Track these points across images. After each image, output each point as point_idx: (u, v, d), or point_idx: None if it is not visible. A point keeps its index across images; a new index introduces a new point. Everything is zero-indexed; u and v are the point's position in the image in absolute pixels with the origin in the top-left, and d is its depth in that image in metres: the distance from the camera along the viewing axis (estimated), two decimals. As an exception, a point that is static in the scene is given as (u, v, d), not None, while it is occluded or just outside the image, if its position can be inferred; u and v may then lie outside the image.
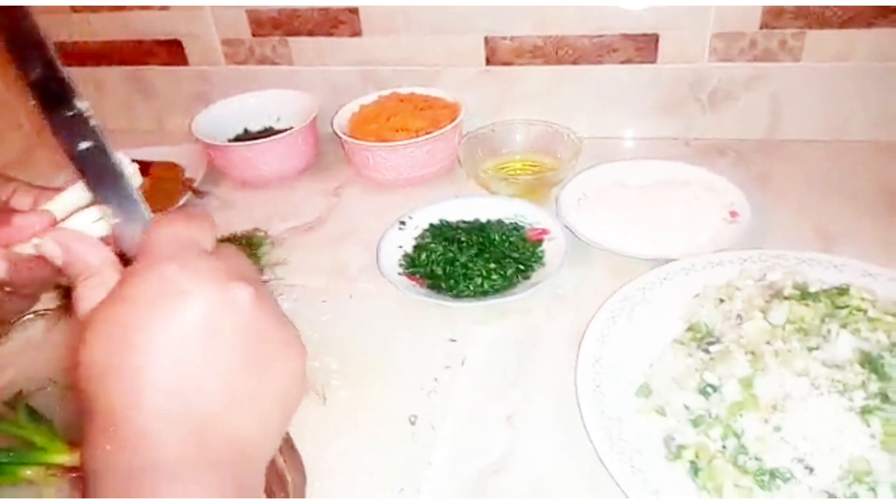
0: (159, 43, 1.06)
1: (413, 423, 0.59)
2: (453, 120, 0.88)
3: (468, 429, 0.59)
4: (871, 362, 0.53)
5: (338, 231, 0.86)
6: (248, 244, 0.80)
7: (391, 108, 0.92)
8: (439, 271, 0.72)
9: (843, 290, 0.60)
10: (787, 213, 0.81)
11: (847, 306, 0.59)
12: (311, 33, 1.00)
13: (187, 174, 0.97)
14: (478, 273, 0.71)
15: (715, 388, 0.55)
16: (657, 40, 0.91)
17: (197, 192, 0.92)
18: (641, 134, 0.98)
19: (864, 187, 0.84)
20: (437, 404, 0.61)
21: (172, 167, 0.99)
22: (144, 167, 0.98)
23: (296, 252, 0.83)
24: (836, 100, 0.90)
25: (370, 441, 0.58)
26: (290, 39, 1.01)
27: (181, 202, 0.90)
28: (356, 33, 0.98)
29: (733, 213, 0.77)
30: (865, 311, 0.58)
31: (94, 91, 1.13)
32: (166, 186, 0.94)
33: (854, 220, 0.78)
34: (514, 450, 0.57)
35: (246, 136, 1.00)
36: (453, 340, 0.67)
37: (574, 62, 0.95)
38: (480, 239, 0.74)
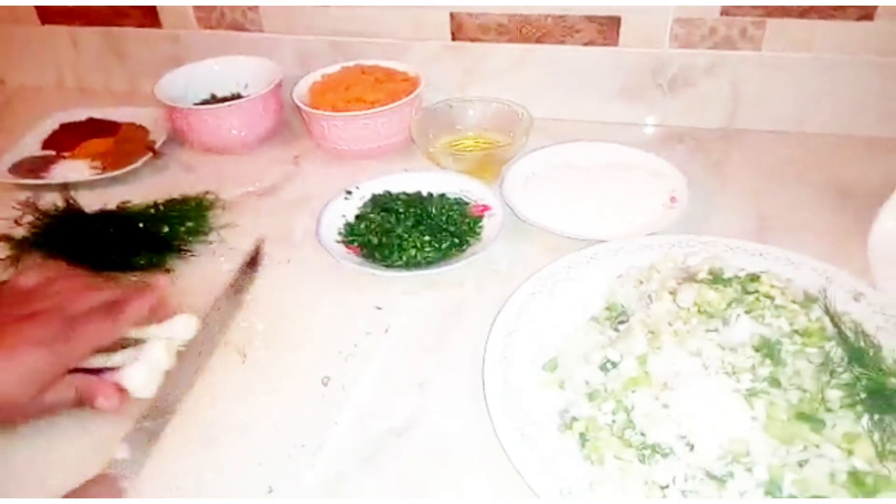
0: (134, 6, 1.07)
1: (325, 385, 0.61)
2: (411, 93, 0.89)
3: (379, 392, 0.61)
4: (768, 347, 0.54)
5: (290, 198, 0.88)
6: (196, 206, 0.81)
7: (351, 79, 0.92)
8: (375, 241, 0.74)
9: (754, 277, 0.61)
10: (734, 201, 0.81)
11: (756, 292, 0.59)
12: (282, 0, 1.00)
13: (153, 136, 0.99)
14: (412, 244, 0.73)
15: (615, 365, 0.56)
16: (619, 23, 0.91)
17: (155, 154, 0.94)
18: (602, 118, 0.98)
19: (816, 180, 0.84)
20: (352, 368, 0.63)
21: (139, 129, 1.01)
22: (113, 127, 1.01)
23: (245, 216, 0.84)
24: (796, 91, 0.90)
25: (281, 399, 0.60)
26: (261, 6, 1.02)
27: (139, 162, 0.91)
28: (326, 3, 0.98)
29: (673, 199, 0.78)
30: (773, 298, 0.59)
31: (70, 49, 1.15)
32: (128, 147, 0.96)
33: (800, 212, 0.79)
34: (421, 414, 0.59)
35: (212, 101, 1.01)
36: (379, 308, 0.69)
37: (538, 41, 0.95)
38: (418, 211, 0.76)
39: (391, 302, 0.70)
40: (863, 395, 0.51)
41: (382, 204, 0.78)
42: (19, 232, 0.78)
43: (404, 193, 0.80)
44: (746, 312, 0.57)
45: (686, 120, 0.96)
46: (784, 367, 0.53)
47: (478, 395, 0.58)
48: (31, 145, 0.99)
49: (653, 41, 0.92)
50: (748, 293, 0.60)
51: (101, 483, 0.50)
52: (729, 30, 0.88)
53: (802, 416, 0.50)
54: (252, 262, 0.71)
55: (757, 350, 0.54)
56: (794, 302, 0.58)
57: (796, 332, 0.56)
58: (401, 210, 0.76)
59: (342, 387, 0.61)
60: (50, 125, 1.03)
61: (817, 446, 0.49)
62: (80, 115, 1.05)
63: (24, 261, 0.76)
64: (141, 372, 0.58)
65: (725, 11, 0.87)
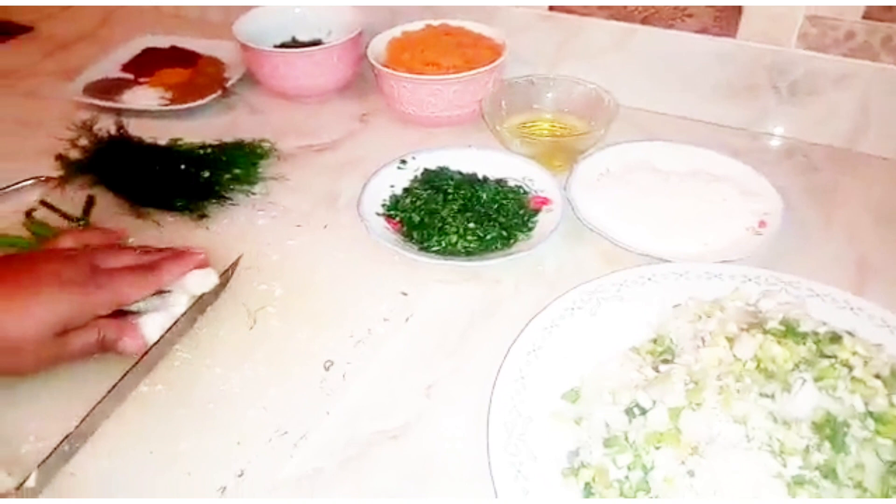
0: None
1: (327, 369, 0.57)
2: (490, 63, 0.82)
3: (381, 389, 0.56)
4: (832, 428, 0.45)
5: (347, 158, 0.83)
6: (248, 153, 0.78)
7: (431, 40, 0.86)
8: (416, 219, 0.68)
9: (835, 338, 0.51)
10: (835, 239, 0.70)
11: (833, 357, 0.50)
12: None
13: (228, 74, 0.96)
14: (454, 230, 0.66)
15: (643, 411, 0.48)
16: (740, 12, 0.80)
17: (225, 92, 0.91)
18: (701, 116, 0.87)
19: (940, 226, 0.71)
20: (360, 356, 0.58)
21: (218, 64, 0.99)
22: (194, 58, 1.00)
23: (298, 171, 0.81)
24: (939, 118, 0.76)
25: (277, 376, 0.56)
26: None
27: (206, 99, 0.89)
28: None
29: (762, 223, 0.68)
30: (852, 368, 0.49)
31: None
32: (202, 81, 0.94)
33: (911, 263, 0.67)
34: (419, 421, 0.54)
35: (292, 45, 0.97)
36: (405, 294, 0.64)
37: (643, 21, 0.85)
38: (468, 194, 0.69)
39: (419, 289, 0.64)
40: (939, 513, 0.41)
41: (433, 181, 0.72)
42: (75, 154, 0.77)
43: (458, 172, 0.73)
44: (815, 380, 0.48)
45: (801, 133, 0.83)
46: (846, 455, 0.44)
47: (483, 411, 0.52)
48: (111, 66, 0.99)
49: (777, 38, 0.80)
50: (824, 356, 0.50)
51: None
52: (870, 36, 0.75)
53: (854, 517, 0.41)
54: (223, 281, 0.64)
55: (817, 430, 0.45)
56: (877, 377, 0.48)
57: (871, 415, 0.46)
58: (450, 191, 0.69)
59: (343, 375, 0.56)
60: (134, 48, 1.03)
61: (867, 560, 0.40)
62: (165, 42, 1.04)
63: (72, 182, 0.75)
64: (160, 321, 0.57)
65: (869, 14, 0.74)
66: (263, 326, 0.60)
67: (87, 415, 0.51)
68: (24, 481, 0.46)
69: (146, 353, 0.55)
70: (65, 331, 0.52)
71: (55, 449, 0.49)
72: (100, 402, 0.52)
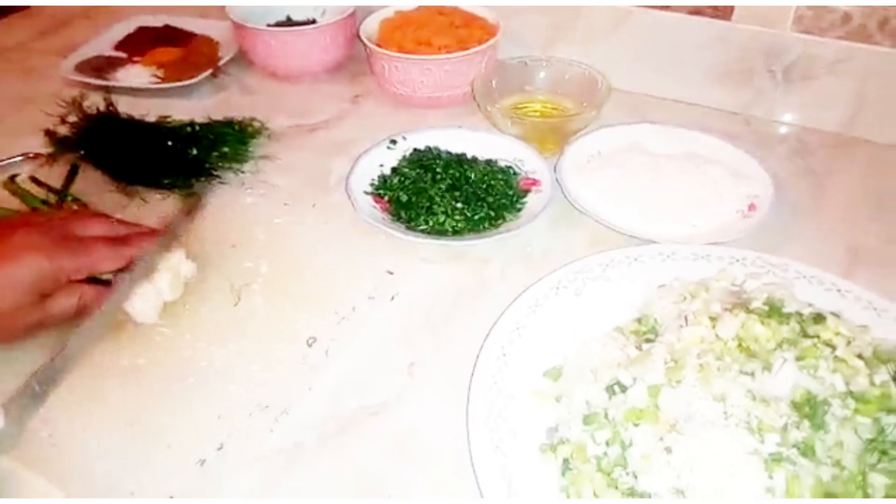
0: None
1: (309, 346, 0.57)
2: (482, 43, 0.81)
3: (364, 366, 0.56)
4: (811, 406, 0.45)
5: (338, 139, 0.83)
6: (238, 132, 0.78)
7: (424, 20, 0.85)
8: (404, 198, 0.68)
9: (819, 318, 0.51)
10: (823, 221, 0.69)
11: (816, 336, 0.49)
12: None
13: (222, 53, 0.96)
14: (442, 210, 0.66)
15: (623, 389, 0.48)
16: (735, -6, 0.79)
17: (217, 71, 0.91)
18: (697, 99, 0.86)
19: (933, 212, 0.71)
20: (343, 332, 0.58)
21: (211, 43, 0.99)
22: (187, 38, 0.99)
23: (288, 150, 0.80)
24: (935, 103, 0.76)
25: (260, 352, 0.56)
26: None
27: (197, 78, 0.88)
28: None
29: (752, 207, 0.67)
30: (835, 348, 0.48)
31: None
32: (194, 60, 0.93)
33: (901, 247, 0.66)
34: (400, 398, 0.54)
35: (286, 24, 0.96)
36: (390, 273, 0.63)
37: (637, 4, 0.84)
38: (456, 174, 0.69)
39: (406, 268, 0.64)
40: (916, 491, 0.41)
41: (422, 160, 0.71)
42: (63, 130, 0.77)
43: (447, 152, 0.73)
44: (797, 360, 0.47)
45: (796, 117, 0.83)
46: (825, 433, 0.44)
47: (467, 390, 0.52)
48: (104, 45, 0.98)
49: (772, 21, 0.79)
50: (806, 336, 0.50)
51: None
52: (866, 19, 0.74)
53: (832, 499, 0.41)
54: (188, 212, 0.65)
55: (796, 408, 0.45)
56: (859, 357, 0.48)
57: (851, 394, 0.46)
58: (438, 170, 0.69)
59: (326, 351, 0.56)
60: (128, 26, 1.03)
61: (844, 538, 0.40)
62: (159, 20, 1.04)
63: (61, 159, 0.75)
64: (144, 297, 0.57)
65: (866, -4, 0.73)
66: (248, 303, 0.60)
67: (56, 354, 0.51)
68: None
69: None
70: (44, 296, 0.53)
71: (23, 386, 0.49)
72: (66, 345, 0.52)
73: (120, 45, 0.99)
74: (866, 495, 0.42)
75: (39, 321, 0.54)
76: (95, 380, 0.54)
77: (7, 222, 0.58)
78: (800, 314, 0.52)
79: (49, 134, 0.76)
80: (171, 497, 0.47)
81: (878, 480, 0.42)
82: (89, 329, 0.54)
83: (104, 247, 0.56)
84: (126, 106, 0.81)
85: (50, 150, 0.76)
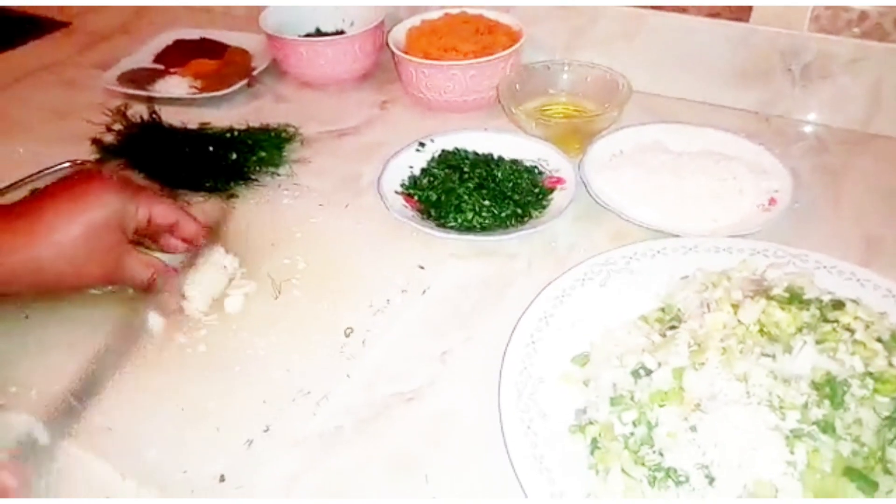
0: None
1: (347, 336, 0.60)
2: (506, 49, 0.84)
3: (399, 354, 0.59)
4: (831, 387, 0.47)
5: (368, 142, 0.86)
6: (273, 137, 0.81)
7: (449, 28, 0.88)
8: (434, 197, 0.71)
9: (838, 304, 0.53)
10: (844, 216, 0.71)
11: (836, 322, 0.51)
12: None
13: (255, 63, 1.00)
14: (470, 207, 0.69)
15: (648, 372, 0.50)
16: (753, -4, 0.81)
17: (252, 81, 0.95)
18: (716, 100, 0.88)
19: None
20: (378, 324, 0.61)
21: (244, 54, 1.03)
22: (222, 49, 1.03)
23: (320, 154, 0.84)
24: (953, 99, 0.77)
25: (300, 342, 0.59)
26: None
27: (233, 88, 0.92)
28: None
29: (772, 201, 0.69)
30: (854, 332, 0.50)
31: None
32: (230, 70, 0.97)
33: (921, 239, 0.68)
34: (434, 385, 0.56)
35: (315, 35, 1.00)
36: (422, 268, 0.66)
37: (656, 7, 0.86)
38: (483, 173, 0.71)
39: (436, 263, 0.67)
40: (933, 465, 0.43)
41: (449, 161, 0.74)
42: (109, 138, 0.81)
43: (474, 153, 0.76)
44: (817, 343, 0.49)
45: (813, 115, 0.85)
46: (844, 412, 0.46)
47: (497, 377, 0.54)
48: (144, 58, 1.03)
49: (790, 21, 0.81)
50: (826, 321, 0.52)
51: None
52: (882, 17, 0.76)
53: (851, 473, 0.43)
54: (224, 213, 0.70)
55: (816, 388, 0.47)
56: (878, 340, 0.50)
57: (870, 375, 0.47)
58: (466, 170, 0.72)
59: (363, 341, 0.59)
60: (166, 39, 1.07)
61: (864, 511, 0.42)
62: (195, 33, 1.08)
63: (106, 166, 0.79)
64: (193, 289, 0.61)
65: (881, -5, 0.75)
66: (287, 297, 0.63)
67: (90, 364, 0.55)
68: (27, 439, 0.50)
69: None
70: (118, 246, 0.58)
71: (61, 401, 0.52)
72: (101, 356, 0.56)
73: (158, 58, 1.03)
74: (885, 470, 0.43)
75: (113, 273, 0.59)
76: (146, 369, 0.57)
77: (90, 169, 0.67)
78: (819, 300, 0.54)
79: (95, 142, 0.80)
80: (222, 475, 0.49)
81: (896, 455, 0.43)
82: (120, 336, 0.58)
83: (170, 200, 0.62)
84: (166, 115, 0.85)
85: (96, 156, 0.80)
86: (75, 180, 0.59)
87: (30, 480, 0.48)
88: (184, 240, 0.63)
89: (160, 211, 0.61)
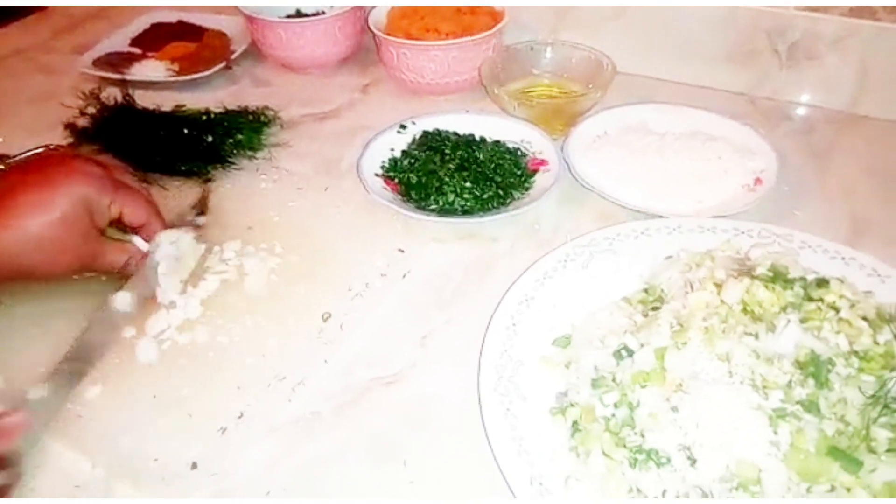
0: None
1: (325, 321, 0.58)
2: (488, 29, 0.82)
3: (378, 339, 0.58)
4: (815, 365, 0.46)
5: (349, 126, 0.85)
6: (251, 120, 0.80)
7: (430, 8, 0.87)
8: (414, 179, 0.69)
9: (822, 282, 0.52)
10: (829, 195, 0.70)
11: (820, 300, 0.50)
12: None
13: (234, 47, 0.98)
14: (451, 189, 0.68)
15: (630, 353, 0.50)
16: (739, -26, 0.80)
17: (229, 64, 0.93)
18: (702, 81, 0.87)
19: (936, 186, 0.71)
20: (357, 308, 0.60)
21: (222, 37, 1.01)
22: (200, 32, 1.01)
23: (300, 138, 0.82)
24: (940, 79, 0.76)
25: (277, 327, 0.58)
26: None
27: (211, 71, 0.90)
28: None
29: (758, 181, 0.68)
30: (838, 311, 0.49)
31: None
32: (208, 54, 0.95)
33: (905, 217, 0.67)
34: (413, 369, 0.55)
35: (296, 17, 0.98)
36: (402, 251, 0.65)
37: (642, -13, 0.85)
38: (465, 155, 0.70)
39: (417, 246, 0.66)
40: (918, 443, 0.42)
41: (430, 142, 0.73)
42: (83, 122, 0.79)
43: (455, 134, 0.74)
44: (801, 321, 0.49)
45: (800, 96, 0.84)
46: (829, 391, 0.45)
47: (475, 358, 0.53)
48: (120, 41, 1.01)
49: (776, -1, 0.80)
50: (810, 299, 0.51)
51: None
52: (870, -6, 0.75)
53: (835, 453, 0.42)
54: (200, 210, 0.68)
55: (801, 367, 0.46)
56: (863, 318, 0.49)
57: (855, 353, 0.47)
58: (447, 151, 0.71)
59: (341, 326, 0.58)
60: (142, 23, 1.05)
61: (848, 490, 0.41)
62: (172, 16, 1.06)
63: (81, 150, 0.77)
64: (165, 276, 0.60)
65: (868, -29, 0.74)
66: (264, 281, 0.62)
67: (81, 335, 0.55)
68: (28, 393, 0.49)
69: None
70: (92, 232, 0.57)
71: (58, 366, 0.52)
72: (89, 327, 0.55)
73: (135, 42, 1.01)
74: (870, 449, 0.42)
75: (88, 261, 0.58)
76: (119, 356, 0.55)
77: (66, 152, 0.65)
78: (804, 279, 0.53)
79: (69, 126, 0.78)
80: (194, 463, 0.48)
81: (881, 434, 0.43)
82: (109, 314, 0.57)
83: (144, 199, 0.60)
84: (142, 99, 0.83)
85: (70, 141, 0.78)
86: (48, 166, 0.57)
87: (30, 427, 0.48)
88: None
89: (131, 210, 0.59)
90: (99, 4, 1.17)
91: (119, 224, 0.60)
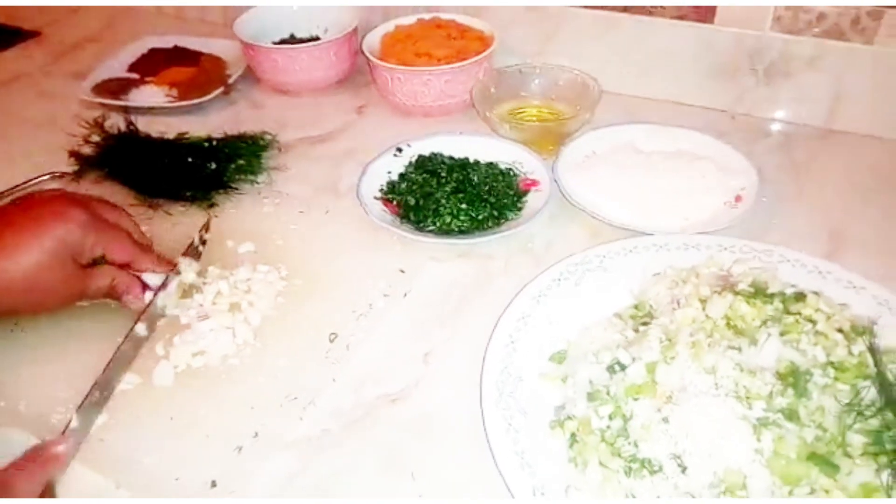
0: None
1: (332, 341, 0.61)
2: (480, 53, 0.86)
3: (383, 357, 0.60)
4: (794, 376, 0.49)
5: (345, 148, 0.87)
6: (251, 145, 0.82)
7: (423, 33, 0.90)
8: (412, 202, 0.72)
9: (800, 296, 0.55)
10: (807, 210, 0.74)
11: (798, 314, 0.54)
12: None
13: (230, 71, 1.00)
14: (448, 211, 0.71)
15: (623, 368, 0.53)
16: (716, -2, 0.84)
17: (227, 89, 0.96)
18: (685, 99, 0.91)
19: (911, 197, 0.75)
20: (362, 328, 0.62)
21: (219, 62, 1.03)
22: (197, 57, 1.04)
23: (298, 161, 0.85)
24: (908, 95, 0.80)
25: (285, 348, 0.60)
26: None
27: (209, 96, 0.93)
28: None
29: (738, 198, 0.72)
30: (815, 323, 0.53)
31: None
32: (205, 79, 0.98)
33: (882, 232, 0.70)
34: (418, 385, 0.58)
35: (290, 42, 1.01)
36: (402, 272, 0.68)
37: (624, 10, 0.89)
38: (460, 177, 0.73)
39: (416, 266, 0.68)
40: (890, 447, 0.45)
41: (426, 165, 0.76)
42: (87, 149, 0.82)
43: (450, 157, 0.77)
44: (781, 335, 0.52)
45: (778, 113, 0.87)
46: (807, 400, 0.48)
47: (479, 376, 0.56)
48: (118, 67, 1.03)
49: (753, 22, 0.84)
50: (789, 313, 0.54)
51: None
52: (840, 17, 0.79)
53: (815, 458, 0.45)
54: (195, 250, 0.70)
55: (781, 378, 0.49)
56: (839, 331, 0.52)
57: (831, 364, 0.50)
58: (443, 174, 0.74)
59: (347, 346, 0.61)
60: (139, 48, 1.07)
61: (827, 492, 0.45)
62: (169, 41, 1.08)
63: (86, 177, 0.80)
64: (172, 300, 0.63)
65: (837, -4, 0.78)
66: (271, 304, 0.65)
67: (109, 363, 0.57)
68: (68, 424, 0.52)
69: (145, 309, 0.62)
70: (81, 266, 0.59)
71: (87, 395, 0.54)
72: (116, 352, 0.58)
73: (133, 67, 1.03)
74: (846, 453, 0.46)
75: (77, 294, 0.60)
76: (136, 381, 0.58)
77: (55, 192, 0.65)
78: (783, 294, 0.56)
79: (73, 154, 0.81)
80: (214, 481, 0.51)
81: (856, 440, 0.46)
82: (133, 339, 0.59)
83: (128, 239, 0.62)
84: (142, 124, 0.85)
85: (75, 168, 0.80)
86: (32, 208, 0.59)
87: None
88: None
89: (114, 249, 0.61)
90: (93, 29, 1.20)
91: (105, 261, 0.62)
